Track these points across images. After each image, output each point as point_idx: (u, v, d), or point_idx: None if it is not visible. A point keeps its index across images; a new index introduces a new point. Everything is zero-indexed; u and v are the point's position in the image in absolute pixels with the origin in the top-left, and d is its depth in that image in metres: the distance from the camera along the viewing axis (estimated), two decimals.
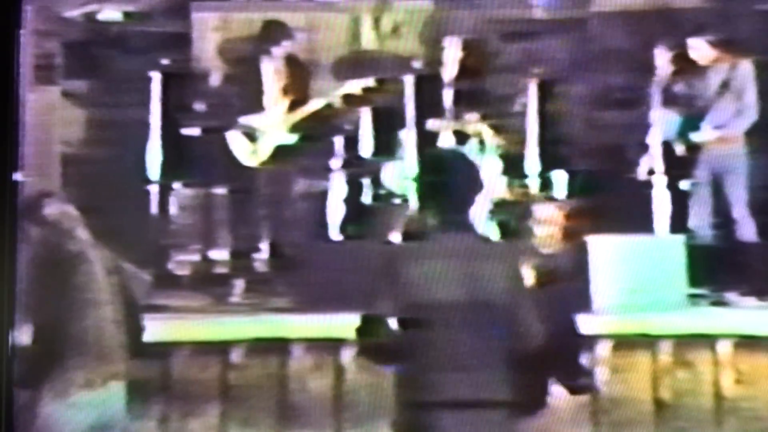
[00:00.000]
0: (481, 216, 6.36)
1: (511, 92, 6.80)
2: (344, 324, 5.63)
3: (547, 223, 4.03)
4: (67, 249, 4.79)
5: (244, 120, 6.70)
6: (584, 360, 3.65)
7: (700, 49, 6.42)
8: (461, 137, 6.59)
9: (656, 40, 6.74)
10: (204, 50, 7.11)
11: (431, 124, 6.55)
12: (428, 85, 6.58)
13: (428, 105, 6.57)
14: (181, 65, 6.94)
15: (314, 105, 6.70)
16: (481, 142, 6.58)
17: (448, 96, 6.60)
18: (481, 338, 3.46)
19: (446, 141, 6.63)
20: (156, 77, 6.76)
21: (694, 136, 6.38)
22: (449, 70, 6.61)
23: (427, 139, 6.56)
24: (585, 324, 5.53)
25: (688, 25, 6.63)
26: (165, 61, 6.81)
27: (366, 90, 6.67)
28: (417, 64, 6.70)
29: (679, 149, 6.46)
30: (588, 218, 4.06)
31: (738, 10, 6.68)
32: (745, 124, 6.33)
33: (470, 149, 6.50)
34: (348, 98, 6.73)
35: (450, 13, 6.90)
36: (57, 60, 6.66)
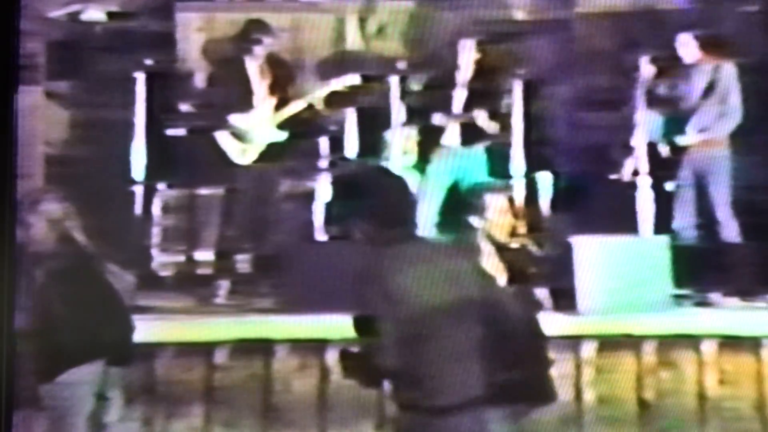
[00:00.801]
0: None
1: (496, 92, 6.81)
2: (330, 325, 5.62)
3: (498, 213, 4.03)
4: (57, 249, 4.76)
5: (233, 119, 6.69)
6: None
7: (687, 44, 6.42)
8: (470, 134, 6.58)
9: (641, 41, 6.75)
10: (188, 50, 7.10)
11: (438, 119, 6.55)
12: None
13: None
14: (166, 65, 6.92)
15: (301, 103, 6.69)
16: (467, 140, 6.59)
17: (460, 96, 6.60)
18: (466, 339, 3.46)
19: (452, 138, 6.62)
20: (140, 77, 6.74)
21: (680, 140, 6.39)
22: (464, 71, 6.61)
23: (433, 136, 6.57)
24: (569, 324, 5.54)
25: (672, 26, 6.65)
26: (149, 62, 6.79)
27: (351, 88, 6.67)
28: (402, 65, 6.70)
29: (664, 151, 6.47)
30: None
31: (722, 11, 6.71)
32: (730, 126, 6.34)
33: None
34: (333, 97, 6.71)
35: (435, 14, 6.90)
36: (40, 60, 6.64)
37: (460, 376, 3.45)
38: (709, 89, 6.40)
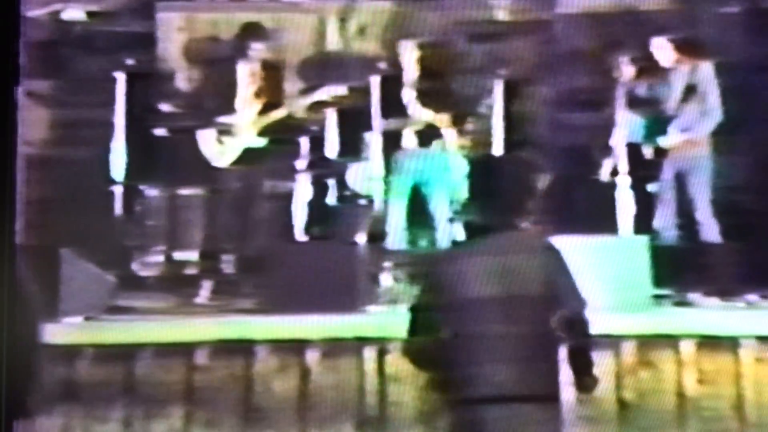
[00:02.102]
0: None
1: (476, 93, 6.82)
2: (311, 325, 5.61)
3: None
4: None
5: (215, 121, 6.67)
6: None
7: (662, 48, 6.44)
8: (425, 138, 6.59)
9: (621, 42, 6.78)
10: (169, 50, 7.08)
11: (388, 124, 6.55)
12: (394, 87, 6.59)
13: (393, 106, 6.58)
14: (146, 65, 6.91)
15: (284, 111, 6.68)
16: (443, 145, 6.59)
17: (410, 97, 6.60)
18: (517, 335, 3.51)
19: (409, 142, 6.63)
20: (121, 77, 6.72)
21: (662, 141, 6.41)
22: (410, 71, 6.61)
23: (390, 140, 6.56)
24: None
25: (652, 26, 6.67)
26: (130, 62, 6.77)
27: (336, 98, 6.67)
28: (382, 65, 6.69)
29: (646, 151, 6.49)
30: None
31: (701, 12, 6.73)
32: (710, 126, 6.36)
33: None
34: (316, 104, 6.72)
35: (416, 14, 6.91)
36: (20, 59, 6.60)
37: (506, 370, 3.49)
38: (688, 90, 6.42)
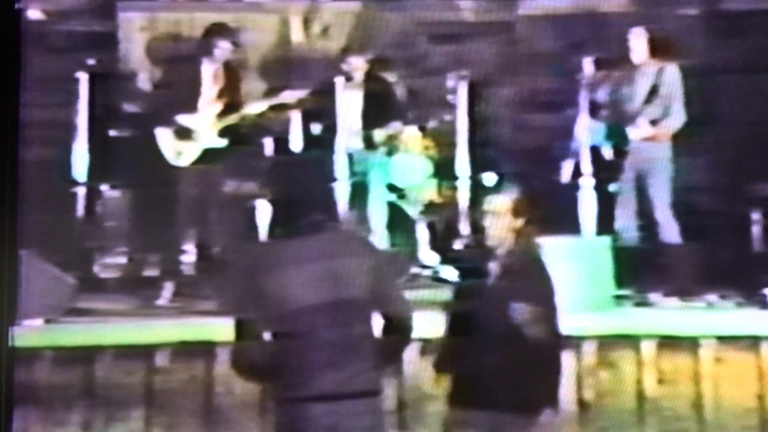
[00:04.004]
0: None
1: (439, 94, 6.83)
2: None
3: (498, 217, 4.06)
4: None
5: (175, 120, 6.64)
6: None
7: (639, 37, 6.43)
8: (372, 140, 6.61)
9: (584, 43, 6.80)
10: (131, 50, 7.04)
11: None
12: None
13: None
14: (108, 66, 6.86)
15: (245, 112, 6.66)
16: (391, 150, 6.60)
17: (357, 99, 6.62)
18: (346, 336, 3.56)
19: (355, 144, 6.63)
20: (83, 77, 6.67)
21: (631, 132, 6.40)
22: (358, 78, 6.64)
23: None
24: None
25: (615, 28, 6.70)
26: (91, 62, 6.73)
27: (299, 101, 6.66)
28: (346, 66, 6.69)
29: (607, 153, 6.51)
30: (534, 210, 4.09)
31: (662, 14, 6.77)
32: (673, 126, 6.39)
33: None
34: (280, 105, 6.70)
35: (379, 15, 6.91)
36: None
37: (336, 369, 3.53)
38: (653, 92, 6.45)
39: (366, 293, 3.57)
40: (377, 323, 3.66)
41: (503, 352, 4.02)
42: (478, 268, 4.31)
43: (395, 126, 6.64)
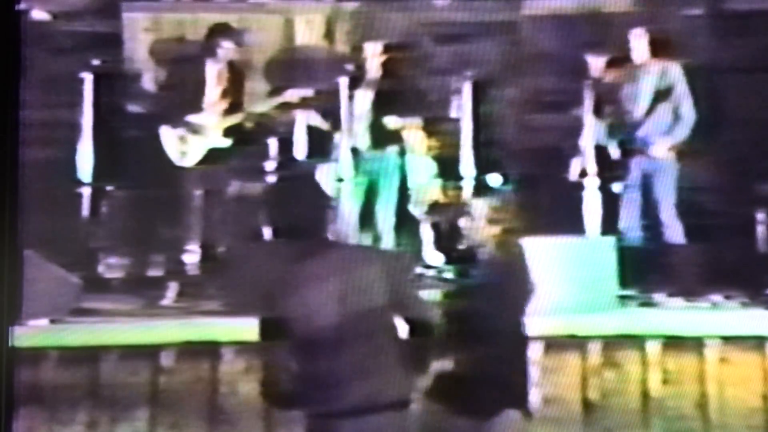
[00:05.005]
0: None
1: (444, 95, 6.83)
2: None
3: (482, 220, 4.06)
4: None
5: (180, 120, 6.65)
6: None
7: (640, 37, 6.44)
8: (381, 139, 6.60)
9: (588, 43, 6.80)
10: (135, 51, 7.05)
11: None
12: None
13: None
14: (113, 66, 6.87)
15: (249, 113, 6.67)
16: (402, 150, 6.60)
17: (368, 98, 6.60)
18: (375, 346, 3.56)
19: (363, 142, 6.63)
20: (87, 78, 6.68)
21: (654, 150, 6.40)
22: (371, 73, 6.62)
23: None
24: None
25: (619, 28, 6.70)
26: (96, 62, 6.74)
27: (303, 99, 6.66)
28: (350, 67, 6.69)
29: (614, 152, 6.51)
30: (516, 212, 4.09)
31: (666, 14, 6.77)
32: (687, 130, 6.38)
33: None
34: (284, 105, 6.71)
35: (382, 15, 6.91)
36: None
37: (366, 382, 3.53)
38: (658, 92, 6.45)
39: (384, 300, 3.57)
40: (401, 327, 3.65)
41: (473, 352, 4.01)
42: (478, 269, 4.32)
43: (410, 120, 6.60)
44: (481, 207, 4.10)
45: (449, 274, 6.36)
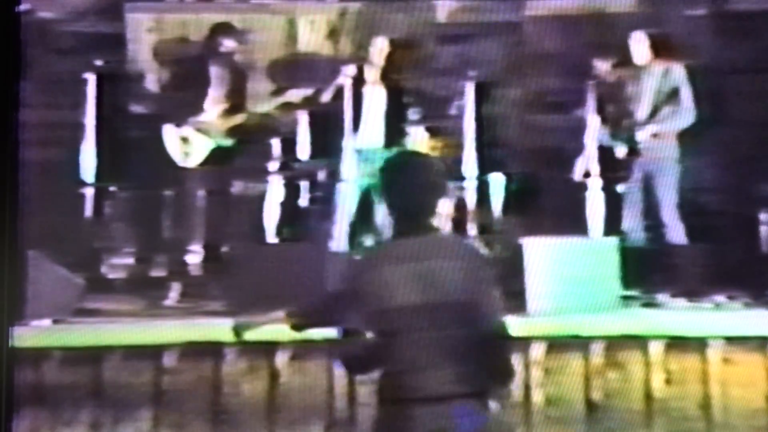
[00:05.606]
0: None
1: (447, 95, 6.83)
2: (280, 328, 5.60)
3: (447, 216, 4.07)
4: None
5: (183, 121, 6.66)
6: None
7: (640, 41, 6.45)
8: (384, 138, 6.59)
9: (591, 44, 6.80)
10: (139, 51, 7.05)
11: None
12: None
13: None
14: (116, 66, 6.88)
15: (251, 112, 6.67)
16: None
17: (376, 94, 6.60)
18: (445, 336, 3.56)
19: (372, 142, 6.62)
20: (91, 78, 6.69)
21: (638, 134, 6.40)
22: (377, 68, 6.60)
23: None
24: (519, 325, 5.56)
25: (622, 28, 6.70)
26: (99, 63, 6.74)
27: (305, 99, 6.67)
28: (353, 66, 6.68)
29: (620, 153, 6.50)
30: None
31: (669, 14, 6.77)
32: (682, 123, 6.38)
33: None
34: (286, 105, 6.71)
35: (386, 15, 6.91)
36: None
37: (438, 371, 3.54)
38: (660, 93, 6.45)
39: (464, 296, 3.58)
40: (474, 327, 3.66)
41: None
42: None
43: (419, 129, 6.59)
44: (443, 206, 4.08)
45: None
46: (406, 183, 3.66)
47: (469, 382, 3.55)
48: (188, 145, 6.67)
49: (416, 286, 3.55)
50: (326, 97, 6.57)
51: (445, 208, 3.71)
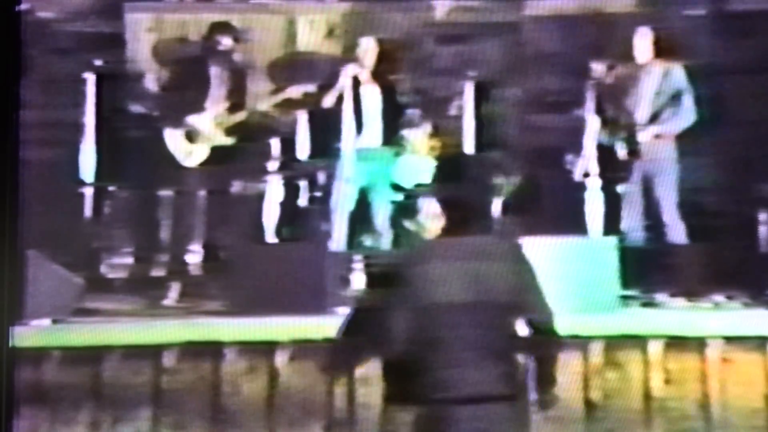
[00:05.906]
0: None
1: (446, 95, 6.83)
2: (279, 327, 5.61)
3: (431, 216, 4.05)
4: None
5: (183, 120, 6.67)
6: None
7: (645, 37, 6.44)
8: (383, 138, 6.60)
9: (590, 44, 6.81)
10: (138, 51, 7.06)
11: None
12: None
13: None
14: (115, 66, 6.89)
15: (251, 111, 6.68)
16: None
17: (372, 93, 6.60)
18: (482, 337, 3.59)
19: (370, 142, 6.62)
20: (90, 78, 6.69)
21: (640, 135, 6.40)
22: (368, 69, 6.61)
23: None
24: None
25: (622, 28, 6.70)
26: (99, 62, 6.75)
27: (306, 95, 6.67)
28: (353, 66, 6.68)
29: (621, 152, 6.51)
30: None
31: (668, 14, 6.77)
32: (682, 124, 6.38)
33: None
34: (286, 103, 6.72)
35: (385, 15, 6.92)
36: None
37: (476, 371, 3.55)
38: (659, 93, 6.45)
39: (509, 298, 3.60)
40: (522, 330, 3.68)
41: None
42: None
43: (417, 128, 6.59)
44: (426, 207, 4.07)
45: None
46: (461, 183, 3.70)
47: (508, 384, 3.56)
48: (188, 144, 6.67)
49: (465, 285, 3.55)
50: (329, 101, 6.57)
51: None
